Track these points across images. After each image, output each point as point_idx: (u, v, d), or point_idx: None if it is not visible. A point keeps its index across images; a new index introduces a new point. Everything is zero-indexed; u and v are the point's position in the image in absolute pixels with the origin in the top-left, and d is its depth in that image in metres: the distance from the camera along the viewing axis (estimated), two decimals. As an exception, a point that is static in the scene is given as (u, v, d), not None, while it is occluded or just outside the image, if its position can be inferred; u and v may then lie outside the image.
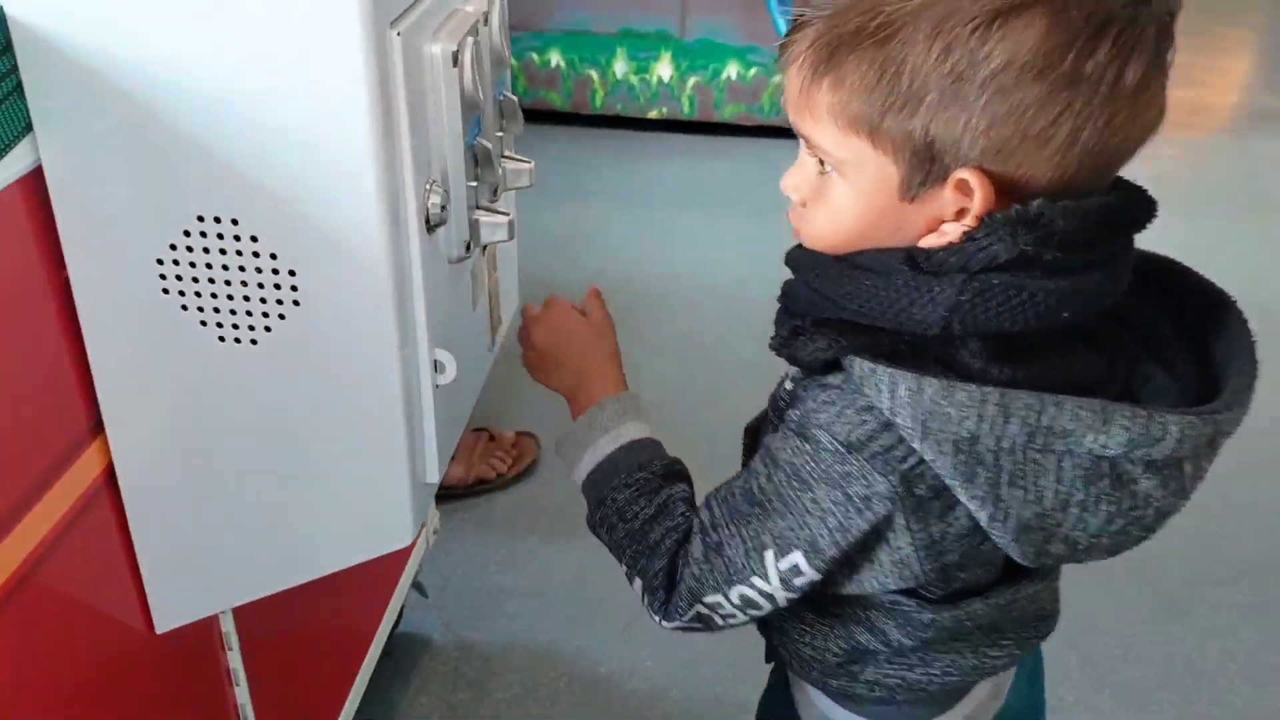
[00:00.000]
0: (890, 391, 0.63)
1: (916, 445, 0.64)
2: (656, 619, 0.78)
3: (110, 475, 0.84)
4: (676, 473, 0.82)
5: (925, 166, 0.62)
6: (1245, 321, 0.70)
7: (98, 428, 0.82)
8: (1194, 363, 0.70)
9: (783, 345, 0.70)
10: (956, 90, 0.59)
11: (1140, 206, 0.67)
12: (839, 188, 0.67)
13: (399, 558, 1.52)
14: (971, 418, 0.61)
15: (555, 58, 3.38)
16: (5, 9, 0.68)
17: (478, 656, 1.68)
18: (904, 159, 0.63)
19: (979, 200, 0.62)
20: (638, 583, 0.78)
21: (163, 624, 0.92)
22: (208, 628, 1.01)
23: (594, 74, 3.40)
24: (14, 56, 0.69)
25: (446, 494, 1.93)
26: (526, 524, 1.93)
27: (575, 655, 1.69)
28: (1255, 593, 1.83)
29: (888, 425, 0.65)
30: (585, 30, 3.33)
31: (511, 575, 1.83)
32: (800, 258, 0.70)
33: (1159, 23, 0.60)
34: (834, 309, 0.67)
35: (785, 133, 3.55)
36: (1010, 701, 0.87)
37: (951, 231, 0.64)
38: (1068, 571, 0.82)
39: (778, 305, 0.73)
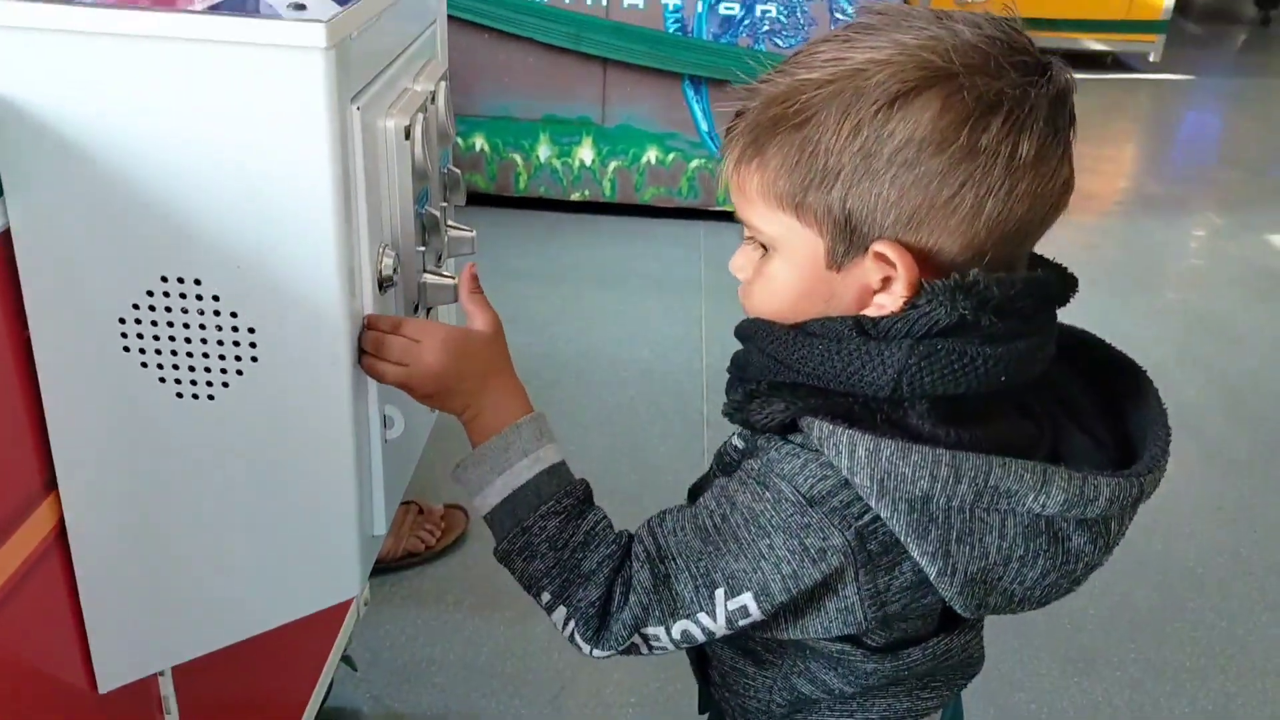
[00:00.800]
0: (849, 452, 0.67)
1: (873, 503, 0.68)
2: (585, 647, 0.76)
3: (61, 532, 0.85)
4: (590, 495, 0.81)
5: (846, 237, 0.68)
6: (1157, 392, 0.76)
7: (50, 485, 0.83)
8: (1111, 430, 0.76)
9: (736, 410, 0.74)
10: (867, 165, 0.66)
11: (1063, 282, 0.73)
12: (775, 263, 0.72)
13: (329, 631, 1.51)
14: (925, 478, 0.66)
15: (480, 142, 3.46)
16: (-22, 80, 0.71)
17: (408, 729, 1.68)
18: (827, 231, 0.69)
19: (903, 270, 0.67)
20: (561, 611, 0.76)
21: (106, 684, 0.92)
22: (147, 691, 1.00)
23: (518, 158, 3.48)
24: (-14, 125, 0.72)
25: (376, 567, 1.92)
26: (455, 596, 1.94)
27: (506, 725, 1.69)
28: (1154, 646, 1.92)
29: (846, 482, 0.69)
30: (509, 116, 3.42)
31: (440, 647, 1.83)
32: (751, 327, 0.75)
33: (1050, 100, 0.66)
34: (788, 373, 0.71)
35: (703, 214, 3.63)
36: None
37: (889, 303, 0.69)
38: (989, 634, 0.87)
39: (727, 375, 0.77)
